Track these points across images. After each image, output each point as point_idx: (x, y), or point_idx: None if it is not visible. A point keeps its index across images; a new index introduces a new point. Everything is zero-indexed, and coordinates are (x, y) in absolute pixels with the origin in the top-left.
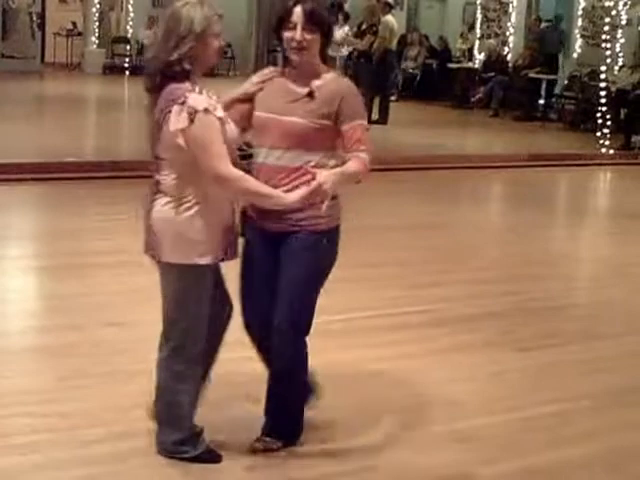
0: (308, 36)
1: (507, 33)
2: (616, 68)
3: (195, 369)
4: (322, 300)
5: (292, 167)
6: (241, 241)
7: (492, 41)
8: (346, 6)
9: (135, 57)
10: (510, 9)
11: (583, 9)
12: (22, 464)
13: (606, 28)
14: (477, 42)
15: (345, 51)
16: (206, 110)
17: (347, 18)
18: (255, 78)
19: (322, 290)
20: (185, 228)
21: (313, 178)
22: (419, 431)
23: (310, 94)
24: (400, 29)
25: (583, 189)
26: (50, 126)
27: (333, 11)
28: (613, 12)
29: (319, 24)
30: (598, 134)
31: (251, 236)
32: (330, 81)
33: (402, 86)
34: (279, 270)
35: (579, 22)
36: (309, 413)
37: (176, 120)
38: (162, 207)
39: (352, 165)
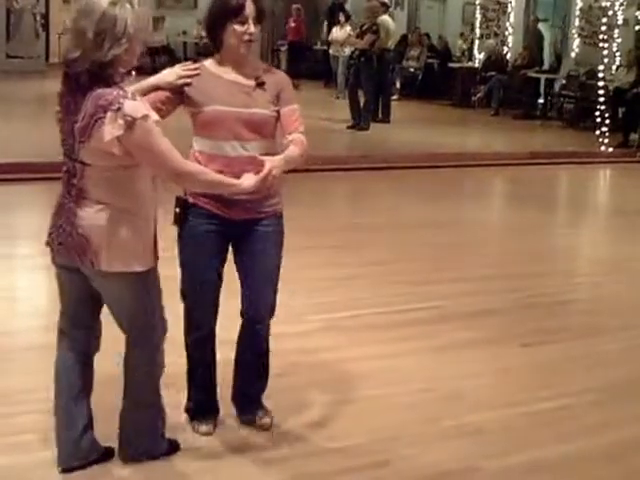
0: (256, 29)
1: (506, 33)
2: (614, 67)
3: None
4: (328, 297)
5: (258, 156)
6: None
7: (492, 41)
8: (347, 6)
9: (144, 57)
10: (509, 9)
11: (580, 9)
12: (28, 462)
13: (603, 28)
14: (477, 42)
15: (347, 51)
16: (145, 117)
17: (348, 18)
18: (180, 71)
19: (327, 287)
20: (122, 235)
21: (262, 165)
22: (426, 426)
23: (261, 85)
24: (401, 29)
25: (583, 187)
26: (54, 126)
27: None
28: (610, 12)
29: (264, 18)
30: (597, 132)
31: (201, 224)
32: (267, 70)
33: (404, 85)
34: (243, 257)
35: (576, 22)
36: (316, 411)
37: (111, 128)
38: (92, 214)
39: (295, 149)
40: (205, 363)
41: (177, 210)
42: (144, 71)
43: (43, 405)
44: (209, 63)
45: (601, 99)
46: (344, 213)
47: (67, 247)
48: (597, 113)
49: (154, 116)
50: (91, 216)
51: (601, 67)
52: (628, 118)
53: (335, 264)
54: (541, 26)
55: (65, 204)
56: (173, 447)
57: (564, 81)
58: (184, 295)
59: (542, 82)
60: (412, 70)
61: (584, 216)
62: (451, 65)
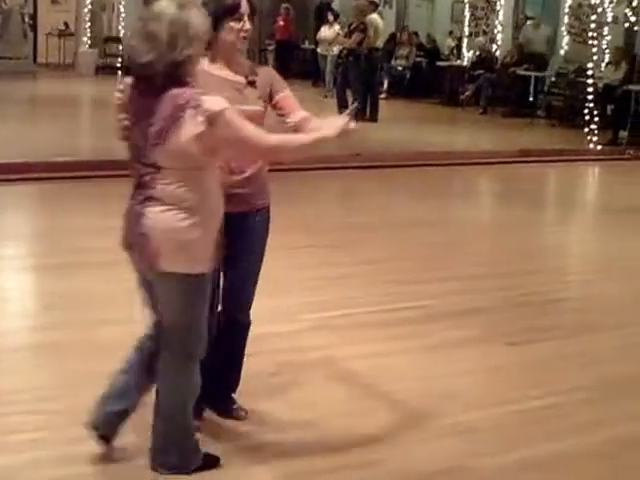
0: (251, 26)
1: (495, 31)
2: (603, 65)
3: (196, 373)
4: (320, 296)
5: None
6: None
7: (481, 39)
8: (335, 5)
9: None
10: (498, 7)
11: (569, 6)
12: (18, 462)
13: (592, 25)
14: (465, 40)
15: (336, 50)
16: (224, 109)
17: (336, 17)
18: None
19: (319, 286)
20: (188, 237)
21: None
22: (418, 425)
23: (252, 83)
24: (390, 27)
25: (572, 184)
26: (44, 126)
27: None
28: (599, 9)
29: (255, 14)
30: (586, 130)
31: None
32: (254, 67)
33: (392, 84)
34: (230, 250)
35: (565, 20)
36: (308, 409)
37: (191, 126)
38: (159, 215)
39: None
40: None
41: None
42: (128, 71)
43: (32, 406)
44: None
45: (590, 96)
46: (335, 212)
47: (133, 248)
48: (586, 111)
49: (231, 106)
50: (156, 217)
51: (590, 64)
52: (617, 115)
53: (327, 263)
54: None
55: (133, 206)
56: (209, 462)
57: (553, 79)
58: None
59: (531, 80)
60: (400, 69)
61: (574, 214)
62: (440, 64)
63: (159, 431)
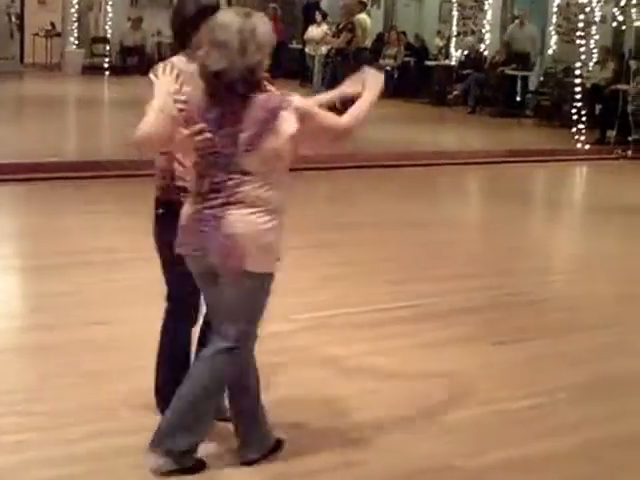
0: None
1: (483, 30)
2: (591, 64)
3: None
4: (309, 297)
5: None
6: None
7: (470, 38)
8: (323, 5)
9: (115, 57)
10: (486, 6)
11: (558, 6)
12: (9, 463)
13: (580, 25)
14: (454, 39)
15: (324, 50)
16: (305, 104)
17: (325, 17)
18: (173, 85)
19: (312, 286)
20: (271, 238)
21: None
22: (403, 424)
23: None
24: (378, 27)
25: (560, 184)
26: (31, 127)
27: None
28: (587, 9)
29: None
30: (574, 130)
31: None
32: None
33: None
34: None
35: (554, 19)
36: (299, 409)
37: (287, 126)
38: (244, 218)
39: None
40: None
41: (160, 211)
42: (115, 71)
43: (19, 407)
44: (178, 60)
45: (578, 96)
46: (326, 212)
47: (208, 252)
48: (574, 110)
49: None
50: (241, 220)
51: (578, 64)
52: (605, 115)
53: (320, 263)
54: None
55: (204, 212)
56: (279, 445)
57: (541, 78)
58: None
59: (519, 80)
60: (389, 68)
61: (561, 213)
62: (428, 63)
63: (180, 413)
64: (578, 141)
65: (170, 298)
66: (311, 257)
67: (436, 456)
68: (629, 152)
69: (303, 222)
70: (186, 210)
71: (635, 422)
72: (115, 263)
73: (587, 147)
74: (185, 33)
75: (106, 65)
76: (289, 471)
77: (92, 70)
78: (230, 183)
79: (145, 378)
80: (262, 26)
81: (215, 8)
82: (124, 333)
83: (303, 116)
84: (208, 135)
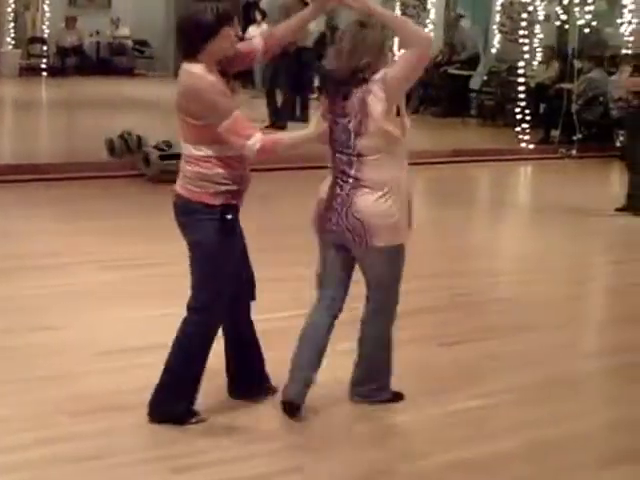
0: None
1: (426, 29)
2: (535, 63)
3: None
4: (268, 298)
5: None
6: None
7: None
8: (263, 4)
9: (52, 58)
10: (429, 5)
11: (501, 5)
12: None
13: (524, 24)
14: (397, 39)
15: None
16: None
17: (264, 16)
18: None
19: (268, 288)
20: (394, 216)
21: None
22: (346, 428)
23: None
24: (320, 26)
25: (505, 184)
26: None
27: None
28: (530, 8)
29: None
30: (518, 129)
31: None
32: None
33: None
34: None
35: (497, 18)
36: (238, 415)
37: (378, 104)
38: (370, 200)
39: None
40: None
41: (229, 217)
42: (53, 72)
43: None
44: (199, 69)
45: (521, 95)
46: (269, 214)
47: (342, 229)
48: (518, 110)
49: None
50: (367, 202)
51: (522, 63)
52: (549, 114)
53: (277, 265)
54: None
55: (338, 193)
56: (397, 396)
57: (485, 78)
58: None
59: (463, 79)
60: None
61: (506, 213)
62: None
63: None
64: (522, 141)
65: (188, 308)
66: (269, 259)
67: (381, 459)
68: (573, 151)
69: (264, 224)
70: (326, 191)
71: (579, 423)
72: (56, 267)
73: (531, 147)
74: (200, 42)
75: (44, 66)
76: (229, 477)
77: (29, 71)
78: (354, 167)
79: (83, 384)
80: (373, 34)
81: (233, 15)
82: (66, 338)
83: (386, 78)
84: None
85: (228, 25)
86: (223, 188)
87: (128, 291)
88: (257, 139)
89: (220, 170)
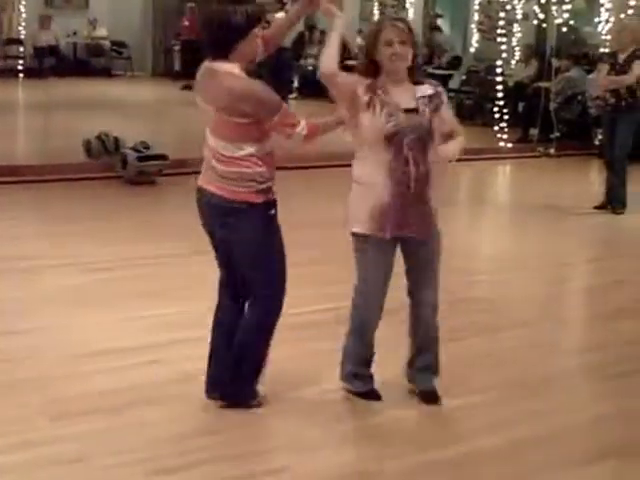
0: None
1: None
2: (513, 62)
3: None
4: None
5: None
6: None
7: None
8: None
9: (29, 59)
10: (407, 4)
11: (479, 4)
12: None
13: (502, 23)
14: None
15: None
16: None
17: None
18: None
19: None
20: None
21: None
22: (324, 429)
23: None
24: (298, 26)
25: (483, 182)
26: None
27: None
28: (508, 7)
29: None
30: (496, 128)
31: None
32: None
33: (302, 84)
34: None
35: (475, 17)
36: (213, 417)
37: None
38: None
39: None
40: None
41: (272, 212)
42: (30, 73)
43: None
44: (233, 67)
45: (500, 94)
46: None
47: (413, 226)
48: (496, 109)
49: None
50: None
51: (500, 62)
52: (527, 113)
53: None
54: (440, 22)
55: (417, 193)
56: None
57: (464, 77)
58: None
59: (442, 78)
60: (311, 68)
61: (485, 212)
62: (349, 62)
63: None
64: (501, 139)
65: (260, 296)
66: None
67: (358, 461)
68: (552, 150)
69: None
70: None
71: (558, 420)
72: (33, 270)
73: (510, 145)
74: (231, 43)
75: (20, 67)
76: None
77: (6, 73)
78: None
79: (62, 387)
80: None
81: (260, 17)
82: (44, 342)
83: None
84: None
85: (257, 27)
86: (264, 186)
87: (106, 294)
88: (303, 126)
89: (259, 169)
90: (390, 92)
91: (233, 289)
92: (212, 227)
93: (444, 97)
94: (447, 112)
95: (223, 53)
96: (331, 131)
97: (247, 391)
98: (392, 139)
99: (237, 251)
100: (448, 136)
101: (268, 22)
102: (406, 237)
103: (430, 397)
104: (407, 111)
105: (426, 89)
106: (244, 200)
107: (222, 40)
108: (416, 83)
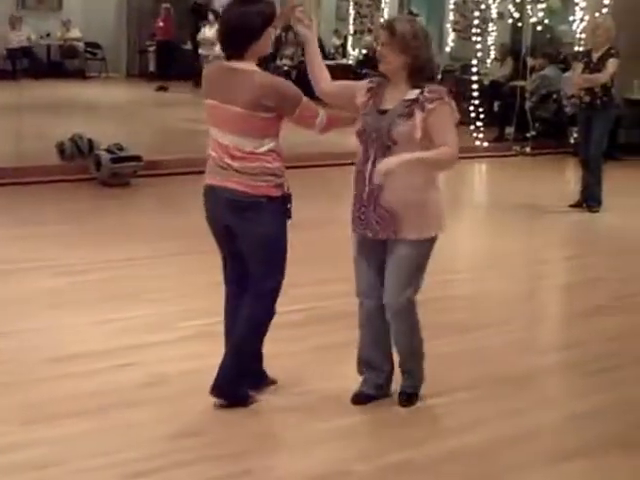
0: None
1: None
2: (488, 61)
3: None
4: (199, 303)
5: None
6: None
7: (369, 38)
8: (217, 5)
9: (2, 61)
10: (382, 4)
11: (454, 3)
12: None
13: (477, 22)
14: (350, 38)
15: (217, 50)
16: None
17: (217, 17)
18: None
19: (198, 293)
20: None
21: None
22: (295, 430)
23: None
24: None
25: (460, 182)
26: None
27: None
28: (483, 6)
29: None
30: (472, 127)
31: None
32: None
33: None
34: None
35: (451, 16)
36: (186, 420)
37: None
38: None
39: None
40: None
41: (290, 206)
42: (4, 75)
43: None
44: (255, 66)
45: (475, 93)
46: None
47: None
48: (472, 108)
49: None
50: None
51: (475, 61)
52: (503, 112)
53: (207, 270)
54: None
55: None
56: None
57: (440, 76)
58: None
59: None
60: (286, 68)
61: (461, 211)
62: (326, 62)
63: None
64: (477, 138)
65: (260, 290)
66: (200, 263)
67: (330, 462)
68: (527, 148)
69: (192, 227)
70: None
71: (529, 419)
72: (5, 273)
73: (486, 144)
74: (247, 42)
75: None
76: None
77: None
78: None
79: (35, 391)
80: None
81: (273, 18)
82: (15, 345)
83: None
84: None
85: (270, 26)
86: (281, 180)
87: (78, 297)
88: (323, 114)
89: (278, 163)
90: (383, 93)
91: (237, 286)
92: (229, 222)
93: (431, 105)
94: (434, 122)
95: (240, 52)
96: (347, 126)
97: (240, 389)
98: (360, 137)
99: (251, 243)
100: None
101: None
102: (368, 236)
103: (399, 399)
104: (381, 112)
105: (412, 93)
106: (264, 194)
107: (239, 41)
108: (415, 87)
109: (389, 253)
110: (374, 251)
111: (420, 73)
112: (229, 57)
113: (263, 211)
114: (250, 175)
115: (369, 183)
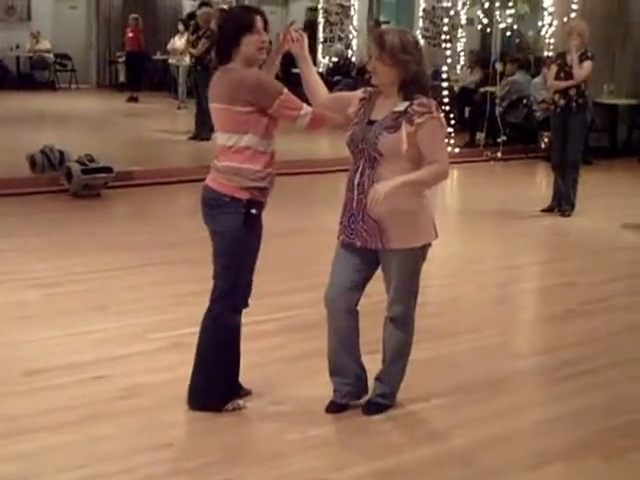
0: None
1: (350, 36)
2: (458, 67)
3: None
4: (171, 314)
5: None
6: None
7: (339, 45)
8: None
9: None
10: (352, 12)
11: (423, 10)
12: None
13: (446, 28)
14: (320, 46)
15: (187, 60)
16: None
17: (187, 27)
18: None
19: (170, 304)
20: None
21: None
22: (271, 441)
23: None
24: None
25: (431, 188)
26: None
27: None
28: (452, 12)
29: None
30: None
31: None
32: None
33: None
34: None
35: (420, 23)
36: (162, 431)
37: None
38: None
39: None
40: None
41: (254, 211)
42: None
43: None
44: (237, 65)
45: (446, 100)
46: (190, 226)
47: None
48: (442, 114)
49: None
50: None
51: (445, 68)
52: (474, 118)
53: (180, 280)
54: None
55: None
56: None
57: None
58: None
59: None
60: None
61: (435, 218)
62: (295, 70)
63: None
64: (448, 144)
65: (217, 293)
66: (173, 273)
67: (305, 472)
68: (498, 154)
69: (165, 237)
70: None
71: (507, 423)
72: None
73: (457, 150)
74: (227, 48)
75: None
76: None
77: None
78: None
79: (5, 405)
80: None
81: (251, 24)
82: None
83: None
84: None
85: (249, 33)
86: (253, 184)
87: (51, 309)
88: (307, 110)
89: (251, 165)
90: (375, 104)
91: None
92: (205, 221)
93: (420, 119)
94: (424, 137)
95: (222, 59)
96: (337, 127)
97: (210, 396)
98: (349, 147)
99: (213, 241)
100: (429, 164)
101: (266, 22)
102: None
103: (367, 407)
104: (370, 123)
105: (401, 105)
106: (227, 193)
107: (221, 47)
108: (406, 99)
109: (382, 264)
110: (357, 256)
111: (412, 85)
112: (219, 63)
113: (225, 210)
114: (221, 173)
115: (358, 193)
